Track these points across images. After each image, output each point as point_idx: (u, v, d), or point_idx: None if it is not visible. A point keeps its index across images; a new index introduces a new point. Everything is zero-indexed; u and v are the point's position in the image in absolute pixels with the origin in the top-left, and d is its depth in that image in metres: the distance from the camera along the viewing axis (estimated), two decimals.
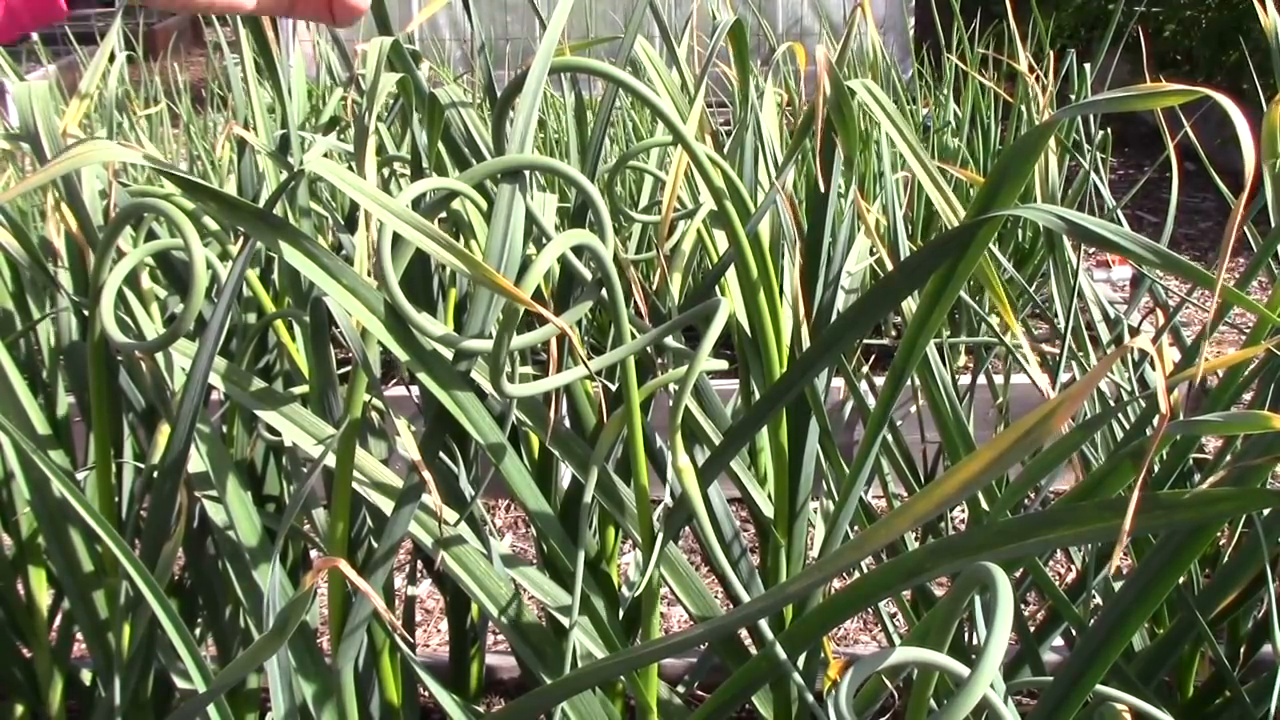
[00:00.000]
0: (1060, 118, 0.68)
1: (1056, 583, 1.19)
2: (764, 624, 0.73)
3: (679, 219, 1.02)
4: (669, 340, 0.86)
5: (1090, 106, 0.66)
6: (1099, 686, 0.74)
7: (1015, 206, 0.68)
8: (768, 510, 1.02)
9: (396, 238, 0.71)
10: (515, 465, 0.85)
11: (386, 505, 0.87)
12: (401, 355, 0.75)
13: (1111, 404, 1.22)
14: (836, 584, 1.83)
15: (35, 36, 2.97)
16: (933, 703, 0.65)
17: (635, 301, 0.95)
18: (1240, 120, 0.58)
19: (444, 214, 1.09)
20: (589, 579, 0.92)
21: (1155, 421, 0.62)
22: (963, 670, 0.53)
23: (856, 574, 1.19)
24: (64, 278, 1.14)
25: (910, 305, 1.09)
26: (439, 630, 1.80)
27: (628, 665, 0.80)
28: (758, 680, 0.79)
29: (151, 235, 1.12)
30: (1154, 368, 0.54)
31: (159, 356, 0.96)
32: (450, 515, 0.89)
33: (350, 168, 1.14)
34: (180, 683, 0.96)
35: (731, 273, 0.98)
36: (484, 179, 0.73)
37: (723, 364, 0.83)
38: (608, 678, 0.94)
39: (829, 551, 0.98)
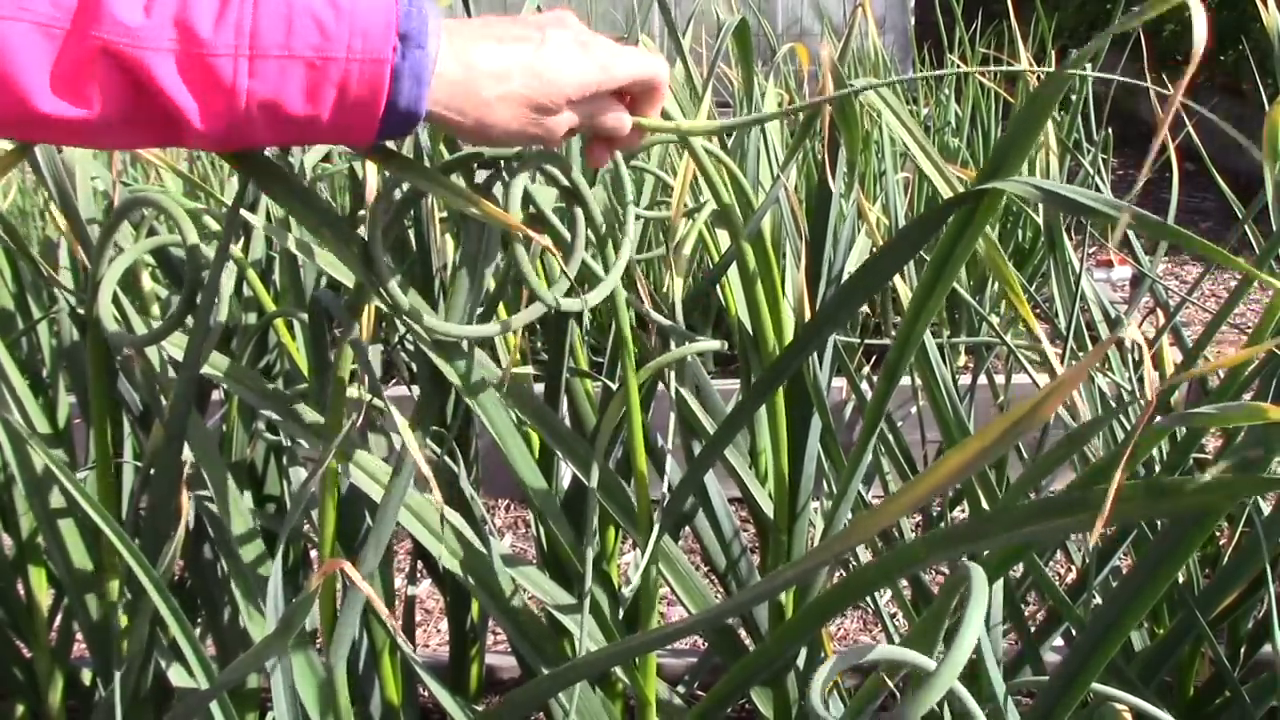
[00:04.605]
0: (1053, 84, 0.68)
1: (1057, 583, 1.19)
2: (759, 614, 0.73)
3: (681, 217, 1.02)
4: (671, 326, 0.86)
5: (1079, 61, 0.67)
6: (1100, 686, 0.74)
7: (996, 180, 0.68)
8: (768, 509, 1.02)
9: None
10: (520, 450, 0.85)
11: (378, 493, 0.87)
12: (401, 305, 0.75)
13: (1113, 404, 1.22)
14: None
15: None
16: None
17: (637, 301, 0.95)
18: None
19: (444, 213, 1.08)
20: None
21: (1159, 422, 0.63)
22: (930, 665, 0.54)
23: (853, 566, 1.19)
24: (65, 277, 1.14)
25: (907, 297, 1.09)
26: (439, 630, 1.80)
27: (622, 656, 0.80)
28: (755, 673, 0.79)
29: (153, 235, 1.12)
30: (1152, 364, 0.54)
31: (155, 356, 0.96)
32: (451, 513, 0.89)
33: (351, 166, 1.14)
34: (178, 681, 0.96)
35: (733, 271, 0.98)
36: (459, 170, 0.74)
37: (715, 344, 0.83)
38: (603, 668, 0.94)
39: None
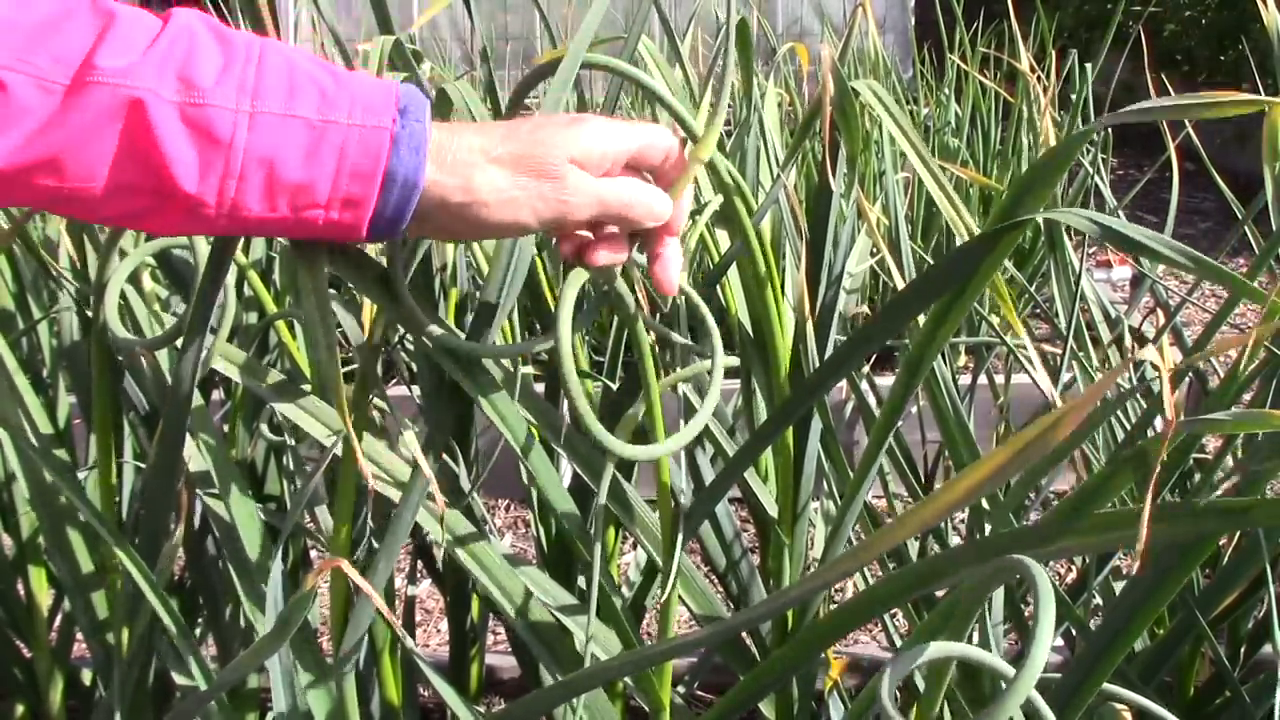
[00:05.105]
0: (1097, 128, 0.67)
1: (1057, 583, 1.19)
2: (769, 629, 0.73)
3: None
4: (674, 336, 0.86)
5: (1129, 116, 0.65)
6: (1102, 685, 0.74)
7: (1044, 210, 0.67)
8: (772, 509, 1.02)
9: None
10: (542, 461, 0.85)
11: (395, 494, 0.87)
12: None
13: (1113, 404, 1.22)
14: (838, 586, 1.82)
15: None
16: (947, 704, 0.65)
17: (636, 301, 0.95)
18: None
19: None
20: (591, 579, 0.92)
21: (1159, 426, 0.62)
22: (1006, 668, 0.52)
23: (859, 579, 1.18)
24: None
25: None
26: (439, 630, 1.80)
27: (635, 665, 0.80)
28: (767, 687, 0.79)
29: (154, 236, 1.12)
30: (1157, 371, 0.54)
31: (164, 355, 0.96)
32: (455, 514, 0.89)
33: None
34: (180, 681, 0.96)
35: (732, 272, 0.98)
36: None
37: (732, 361, 0.83)
38: (615, 677, 0.94)
39: (832, 553, 0.98)
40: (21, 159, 0.51)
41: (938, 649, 0.53)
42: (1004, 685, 0.46)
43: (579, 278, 0.63)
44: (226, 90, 0.52)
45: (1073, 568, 1.54)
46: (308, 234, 0.57)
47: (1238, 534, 1.13)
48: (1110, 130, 1.73)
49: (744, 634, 1.07)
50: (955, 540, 1.41)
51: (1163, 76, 2.05)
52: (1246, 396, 1.02)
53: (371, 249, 0.79)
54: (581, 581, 1.04)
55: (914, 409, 1.62)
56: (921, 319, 0.80)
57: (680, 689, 1.25)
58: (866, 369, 1.70)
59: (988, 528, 0.94)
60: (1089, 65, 1.44)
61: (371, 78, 0.57)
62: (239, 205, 0.54)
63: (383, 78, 0.58)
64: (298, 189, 0.54)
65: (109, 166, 0.52)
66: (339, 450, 0.85)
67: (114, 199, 0.53)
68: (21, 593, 1.21)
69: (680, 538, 0.85)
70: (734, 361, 0.91)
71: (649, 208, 0.61)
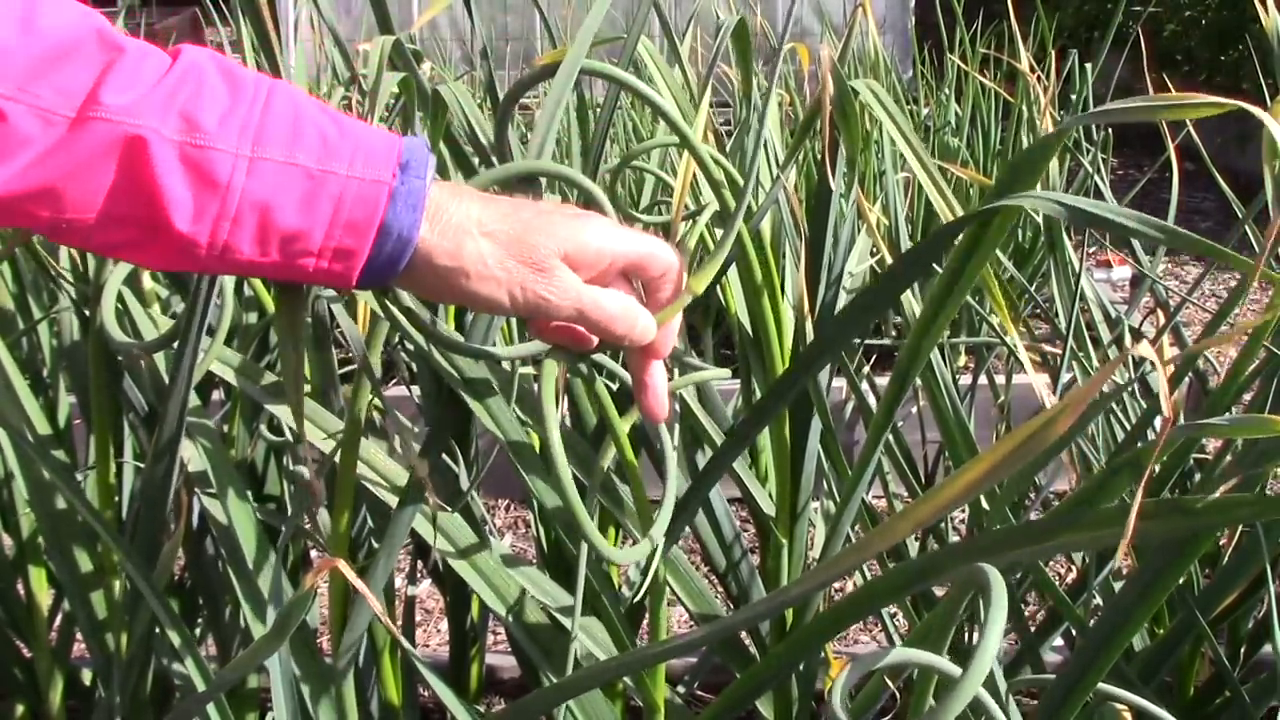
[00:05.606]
0: (1069, 126, 0.68)
1: (1057, 583, 1.19)
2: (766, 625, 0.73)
3: (682, 220, 1.02)
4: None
5: (1100, 116, 0.66)
6: (1101, 685, 0.74)
7: (1014, 196, 0.67)
8: (769, 509, 1.02)
9: None
10: (533, 460, 0.85)
11: (392, 500, 0.87)
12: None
13: (1113, 404, 1.22)
14: (837, 585, 1.82)
15: None
16: (933, 703, 0.65)
17: None
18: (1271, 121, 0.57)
19: None
20: (591, 579, 0.92)
21: (1158, 425, 0.62)
22: (955, 671, 0.53)
23: (858, 577, 1.18)
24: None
25: (914, 307, 1.09)
26: (439, 630, 1.80)
27: (631, 666, 0.80)
28: (764, 684, 0.79)
29: None
30: (1155, 369, 0.54)
31: (161, 356, 0.96)
32: (452, 517, 0.89)
33: None
34: (180, 682, 0.96)
35: (733, 272, 0.98)
36: (490, 185, 0.72)
37: (725, 372, 0.83)
38: (612, 677, 0.94)
39: (831, 553, 0.98)
40: (18, 188, 0.50)
41: (896, 655, 0.54)
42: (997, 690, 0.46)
43: (554, 367, 0.62)
44: (229, 132, 0.52)
45: (1073, 567, 1.54)
46: (298, 279, 0.56)
47: (1238, 534, 1.13)
48: (1110, 130, 1.73)
49: (744, 635, 1.07)
50: (955, 539, 1.40)
51: (1163, 76, 2.05)
52: (1247, 396, 1.02)
53: None
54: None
55: (914, 409, 1.62)
56: (917, 310, 0.80)
57: (680, 689, 1.25)
58: (867, 369, 1.70)
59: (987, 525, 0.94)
60: (1089, 65, 1.44)
61: (378, 130, 0.56)
62: (231, 248, 0.53)
63: (390, 129, 0.57)
64: (291, 236, 0.54)
65: (104, 198, 0.51)
66: (338, 450, 0.85)
67: (106, 229, 0.53)
68: (21, 593, 1.21)
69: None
70: (721, 370, 0.91)
71: (631, 327, 0.60)
